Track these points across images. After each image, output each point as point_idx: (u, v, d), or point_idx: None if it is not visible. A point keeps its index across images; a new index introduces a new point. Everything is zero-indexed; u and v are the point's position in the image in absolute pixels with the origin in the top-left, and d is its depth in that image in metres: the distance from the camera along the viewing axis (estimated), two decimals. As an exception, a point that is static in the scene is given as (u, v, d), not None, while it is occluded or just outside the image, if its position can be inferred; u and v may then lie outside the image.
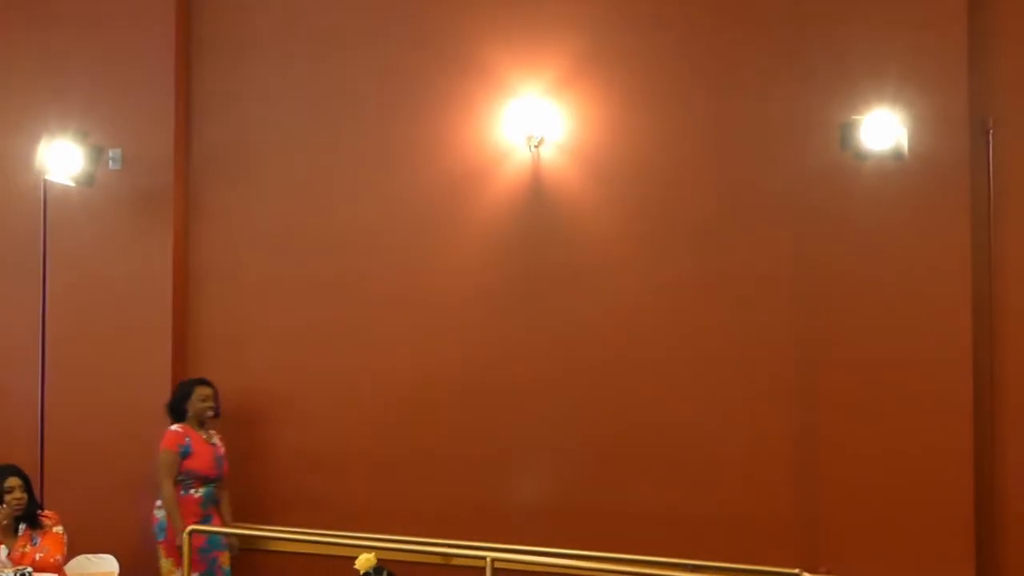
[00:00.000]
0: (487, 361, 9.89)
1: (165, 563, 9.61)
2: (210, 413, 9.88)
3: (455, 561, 9.51)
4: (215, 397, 9.92)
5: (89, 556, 10.03)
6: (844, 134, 8.72)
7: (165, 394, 10.31)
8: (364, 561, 7.71)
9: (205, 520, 9.61)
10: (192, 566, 9.30)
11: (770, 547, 9.06)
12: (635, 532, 9.31)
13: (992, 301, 8.80)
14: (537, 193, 9.75)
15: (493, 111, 9.85)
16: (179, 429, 9.74)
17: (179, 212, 10.73)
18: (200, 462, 9.68)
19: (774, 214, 9.19)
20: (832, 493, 8.95)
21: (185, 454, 9.63)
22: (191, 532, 9.22)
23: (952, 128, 8.82)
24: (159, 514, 9.65)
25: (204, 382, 9.94)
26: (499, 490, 9.71)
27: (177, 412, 9.88)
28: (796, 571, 8.83)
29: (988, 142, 8.91)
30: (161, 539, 9.63)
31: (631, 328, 9.53)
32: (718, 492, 9.22)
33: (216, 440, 9.89)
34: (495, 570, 8.99)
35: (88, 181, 10.34)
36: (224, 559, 9.73)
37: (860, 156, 8.72)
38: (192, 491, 9.64)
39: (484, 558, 9.04)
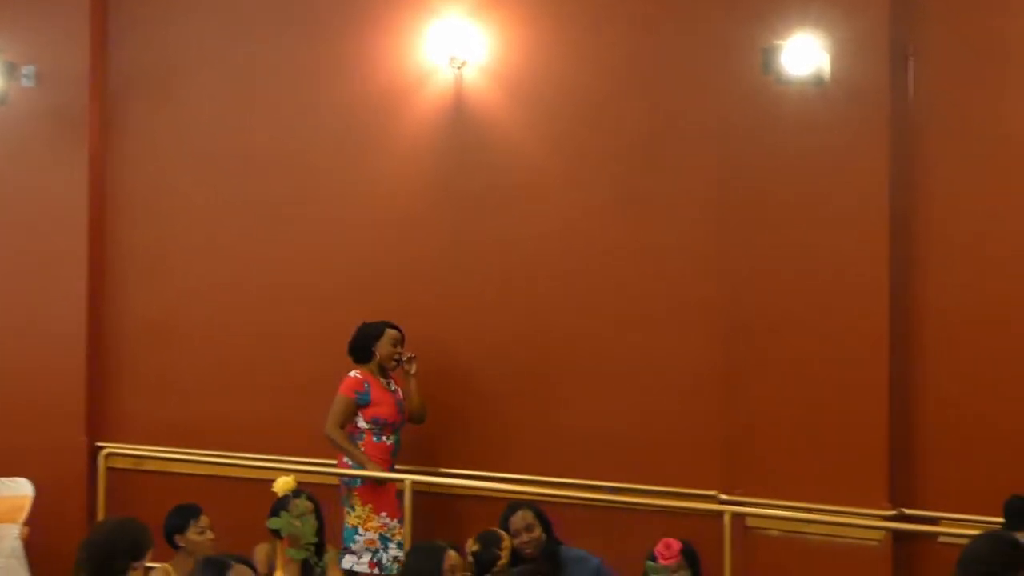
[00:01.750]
0: (409, 284, 9.86)
1: (363, 510, 9.03)
2: (397, 359, 9.31)
3: (375, 484, 9.50)
4: (403, 342, 9.36)
5: (2, 480, 9.97)
6: (766, 58, 8.71)
7: (80, 319, 10.21)
8: (282, 484, 7.65)
9: (393, 469, 9.17)
10: (392, 511, 9.01)
11: (690, 469, 9.12)
12: (556, 454, 9.35)
13: (910, 226, 8.87)
14: (460, 115, 9.70)
15: (416, 32, 9.76)
16: (359, 375, 9.19)
17: (95, 132, 10.58)
18: (385, 409, 9.17)
19: (697, 137, 9.21)
20: (752, 417, 9.00)
21: (362, 402, 9.14)
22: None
23: (873, 54, 8.83)
24: (349, 461, 9.15)
25: (393, 325, 9.33)
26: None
27: (362, 353, 9.30)
28: (714, 493, 8.94)
29: (908, 68, 8.95)
30: (356, 486, 9.07)
31: (556, 251, 9.53)
32: (641, 414, 9.26)
33: (394, 386, 9.33)
34: (415, 493, 9.03)
35: (1, 99, 10.16)
36: None
37: (782, 81, 8.72)
38: (384, 438, 9.15)
39: (403, 481, 9.07)
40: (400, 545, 8.86)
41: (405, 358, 9.27)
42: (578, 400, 9.38)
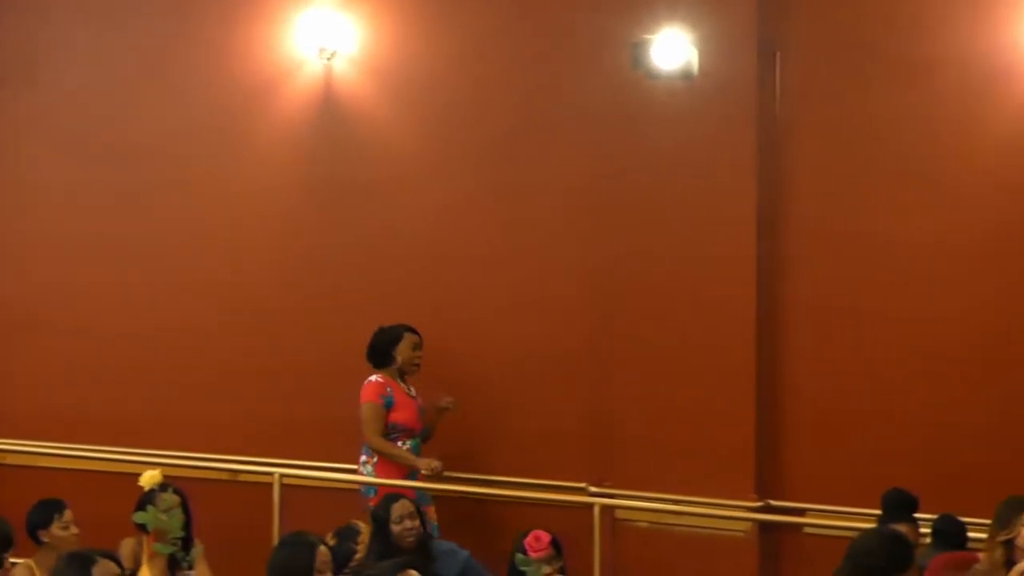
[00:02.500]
0: (275, 276, 9.78)
1: None
2: (416, 366, 9.05)
3: (243, 478, 9.41)
4: (422, 346, 9.06)
5: None
6: (635, 53, 8.75)
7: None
8: (149, 478, 7.54)
9: (411, 476, 8.85)
10: None
11: (559, 462, 9.15)
12: (427, 446, 9.29)
13: (777, 219, 8.97)
14: (329, 107, 9.62)
15: (285, 22, 9.67)
16: (379, 379, 8.90)
17: (-49, 117, 10.37)
18: (406, 414, 8.92)
19: (567, 130, 9.23)
20: (620, 409, 9.05)
21: (389, 405, 8.87)
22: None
23: (740, 49, 8.93)
24: (364, 470, 8.90)
25: (412, 329, 9.04)
26: (289, 406, 9.61)
27: (381, 357, 9.00)
28: (583, 485, 8.98)
29: (775, 64, 9.05)
30: (371, 496, 8.74)
31: (426, 243, 9.50)
32: (509, 406, 9.27)
33: (414, 392, 9.07)
34: (283, 486, 8.96)
35: None
36: (432, 513, 8.90)
37: (651, 75, 8.77)
38: (401, 444, 8.87)
39: (272, 474, 9.00)
40: None
41: (445, 403, 9.07)
42: (447, 390, 9.35)
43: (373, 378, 8.90)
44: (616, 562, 8.79)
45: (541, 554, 6.61)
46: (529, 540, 6.57)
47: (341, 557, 6.99)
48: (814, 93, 9.01)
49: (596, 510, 8.67)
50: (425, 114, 9.55)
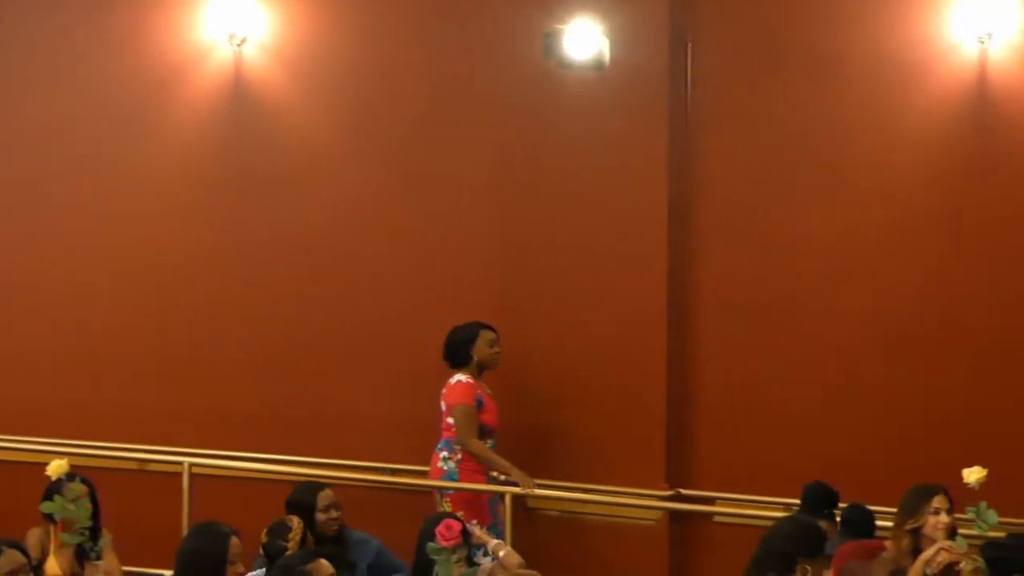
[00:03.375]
0: (185, 266, 9.69)
1: None
2: (496, 361, 8.80)
3: (151, 467, 9.33)
4: (499, 342, 8.81)
5: None
6: (547, 43, 8.75)
7: None
8: (56, 467, 7.42)
9: (491, 476, 8.78)
10: (481, 517, 8.50)
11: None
12: (335, 436, 9.29)
13: (688, 209, 9.03)
14: (239, 95, 9.55)
15: (193, 7, 9.58)
16: (468, 380, 8.67)
17: None
18: (491, 415, 8.74)
19: (480, 119, 9.23)
20: (531, 398, 9.08)
21: (480, 406, 8.69)
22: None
23: (652, 40, 8.98)
24: (446, 466, 8.70)
25: (487, 325, 8.80)
26: (198, 396, 9.54)
27: (459, 357, 8.78)
28: (494, 474, 8.97)
29: (686, 54, 9.09)
30: (448, 493, 8.64)
31: (337, 233, 9.46)
32: (419, 396, 9.22)
33: (490, 390, 8.85)
34: (192, 475, 8.90)
35: None
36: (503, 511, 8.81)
37: (563, 65, 8.78)
38: (485, 443, 8.70)
39: (182, 463, 8.94)
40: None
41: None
42: (357, 382, 9.33)
43: (462, 379, 8.71)
44: (528, 551, 8.76)
45: (452, 542, 6.59)
46: (440, 529, 6.53)
47: (273, 554, 6.95)
48: (726, 84, 9.08)
49: (507, 499, 8.69)
50: (337, 103, 9.50)
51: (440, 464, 8.71)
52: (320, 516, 7.42)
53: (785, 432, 8.89)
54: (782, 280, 8.94)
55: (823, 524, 7.31)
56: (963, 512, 6.72)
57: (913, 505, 6.94)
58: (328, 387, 9.41)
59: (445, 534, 6.45)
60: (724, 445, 8.96)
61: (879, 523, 7.73)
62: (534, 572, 5.84)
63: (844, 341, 8.90)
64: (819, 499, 7.75)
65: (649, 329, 8.93)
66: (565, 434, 8.97)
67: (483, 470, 8.72)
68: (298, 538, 7.05)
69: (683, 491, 8.98)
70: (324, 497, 7.49)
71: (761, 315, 8.98)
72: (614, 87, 8.95)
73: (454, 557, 6.41)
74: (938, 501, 6.88)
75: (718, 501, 8.91)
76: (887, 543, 6.72)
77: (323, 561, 6.00)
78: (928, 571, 6.73)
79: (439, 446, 8.70)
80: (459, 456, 8.68)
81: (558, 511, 8.96)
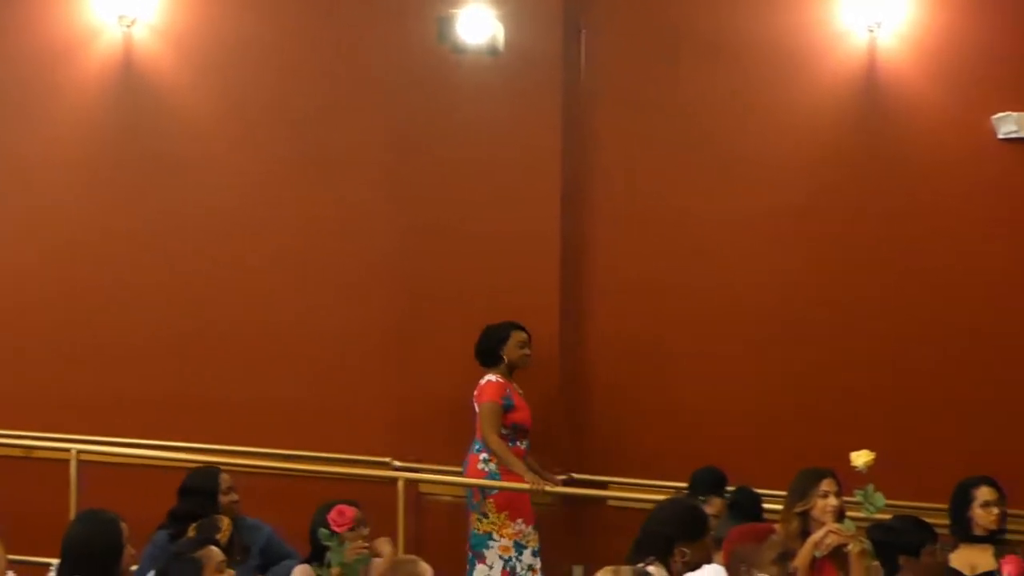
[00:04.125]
0: (74, 251, 9.53)
1: (497, 517, 8.51)
2: (527, 361, 8.75)
3: (37, 454, 9.19)
4: (530, 343, 8.76)
5: None
6: (441, 27, 8.73)
7: None
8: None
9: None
10: (528, 518, 8.49)
11: (363, 436, 9.12)
12: (228, 423, 9.20)
13: (581, 195, 9.07)
14: (129, 78, 9.40)
15: (81, -13, 9.46)
16: (499, 379, 8.62)
17: None
18: (523, 414, 8.65)
19: (375, 104, 9.19)
20: (424, 384, 9.07)
21: (508, 407, 8.59)
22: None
23: (546, 25, 9.02)
24: (487, 468, 8.56)
25: (518, 325, 8.75)
26: (87, 382, 9.40)
27: (490, 357, 8.73)
28: (387, 459, 8.97)
29: (580, 41, 9.12)
30: (492, 493, 8.54)
31: (231, 219, 9.35)
32: (313, 381, 9.20)
33: (520, 390, 8.76)
34: (80, 463, 8.79)
35: None
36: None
37: (457, 50, 8.76)
38: (519, 443, 8.60)
39: (69, 450, 8.83)
40: (535, 552, 8.58)
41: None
42: (250, 367, 9.26)
43: (492, 378, 8.67)
44: (420, 536, 8.80)
45: (345, 528, 6.58)
46: (332, 515, 6.51)
47: None
48: (619, 70, 9.13)
49: (400, 484, 8.68)
50: (230, 86, 9.40)
51: (480, 466, 8.63)
52: (223, 499, 7.37)
53: (677, 416, 8.98)
54: (675, 265, 9.03)
55: (716, 502, 7.41)
56: (851, 495, 6.82)
57: (802, 488, 7.01)
58: (221, 373, 9.32)
59: (337, 520, 6.44)
60: (617, 430, 9.01)
61: (768, 506, 7.81)
62: (412, 556, 5.84)
63: (736, 326, 8.99)
64: (708, 483, 7.82)
65: (542, 313, 8.95)
66: (459, 418, 8.95)
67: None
68: (228, 538, 7.00)
69: (576, 475, 9.02)
70: (224, 480, 7.46)
71: (654, 299, 9.05)
72: (508, 72, 8.95)
73: (346, 543, 6.41)
74: (826, 484, 6.95)
75: (611, 485, 8.96)
76: (776, 526, 6.78)
77: (213, 548, 5.96)
78: (816, 553, 6.81)
79: (476, 447, 8.64)
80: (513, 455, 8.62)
81: (450, 496, 8.96)
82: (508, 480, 8.54)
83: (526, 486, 8.45)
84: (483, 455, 8.61)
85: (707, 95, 9.07)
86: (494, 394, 8.61)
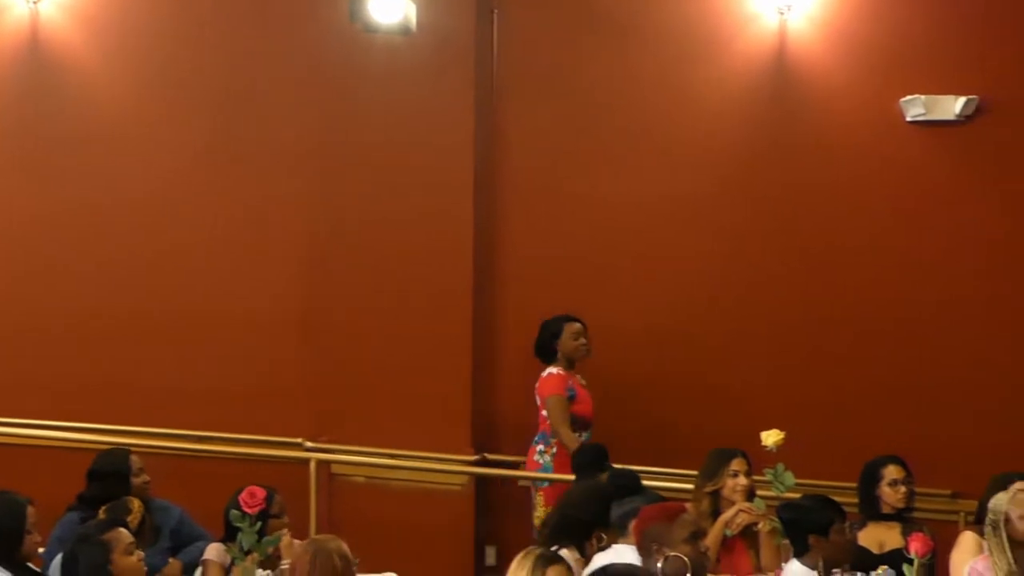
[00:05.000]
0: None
1: (544, 511, 8.29)
2: (584, 352, 8.69)
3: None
4: (586, 333, 8.70)
5: None
6: (353, 6, 8.68)
7: None
8: None
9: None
10: None
11: (276, 417, 9.08)
12: (139, 404, 9.12)
13: (494, 174, 9.09)
14: (35, 57, 9.26)
15: (-16, -38, 9.31)
16: (560, 372, 8.56)
17: None
18: (585, 406, 8.57)
19: (288, 85, 9.15)
20: (336, 365, 9.05)
21: (572, 397, 8.49)
22: None
23: (458, 6, 9.02)
24: (541, 460, 8.46)
25: (572, 318, 8.69)
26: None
27: (547, 352, 8.67)
28: (300, 440, 8.94)
29: (493, 22, 9.12)
30: (544, 486, 8.44)
31: (141, 202, 9.24)
32: (223, 364, 9.15)
33: (583, 381, 8.69)
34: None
35: None
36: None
37: (369, 29, 8.72)
38: (579, 435, 8.48)
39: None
40: None
41: None
42: (162, 349, 9.18)
43: (553, 371, 8.61)
44: (333, 517, 8.78)
45: (256, 510, 6.55)
46: (244, 496, 6.48)
47: None
48: (531, 52, 9.15)
49: (312, 465, 8.68)
50: (142, 66, 9.28)
51: (536, 457, 8.59)
52: (134, 481, 7.31)
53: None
54: (587, 245, 9.09)
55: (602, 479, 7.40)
56: (761, 474, 6.90)
57: (712, 468, 7.09)
58: (132, 355, 9.23)
59: (248, 501, 6.40)
60: (529, 410, 9.01)
61: (681, 486, 7.87)
62: (330, 535, 5.82)
63: (643, 307, 9.05)
64: (592, 460, 7.73)
65: (455, 295, 8.97)
66: (372, 400, 8.96)
67: None
68: (138, 520, 6.94)
69: (489, 456, 9.04)
70: (134, 462, 7.39)
71: (565, 279, 9.08)
72: (421, 52, 8.94)
73: (257, 524, 6.38)
74: (737, 464, 7.04)
75: (523, 465, 8.97)
76: (687, 505, 6.84)
77: (122, 529, 5.93)
78: (727, 532, 6.90)
79: (536, 439, 8.57)
80: (555, 450, 8.55)
81: (363, 477, 8.95)
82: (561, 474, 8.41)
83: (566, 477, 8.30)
84: (539, 447, 8.57)
85: (619, 77, 9.11)
86: (558, 387, 8.56)
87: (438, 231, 9.00)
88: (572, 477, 7.89)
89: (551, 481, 8.45)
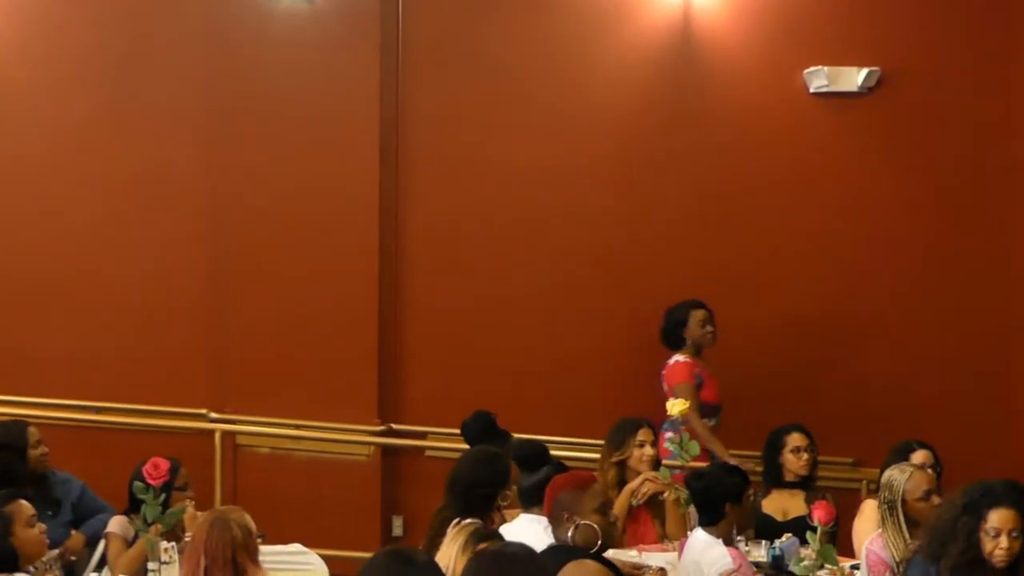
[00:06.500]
0: None
1: None
2: (711, 339, 8.59)
3: None
4: (712, 319, 8.61)
5: None
6: (256, -28, 8.65)
7: None
8: None
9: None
10: None
11: (179, 388, 9.00)
12: (37, 374, 9.00)
13: (399, 147, 9.05)
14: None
15: None
16: (688, 359, 8.48)
17: None
18: (712, 393, 8.47)
19: (185, 53, 9.01)
20: (240, 335, 8.99)
21: (700, 385, 8.39)
22: None
23: (364, -27, 8.95)
24: (670, 447, 7.97)
25: (699, 304, 8.61)
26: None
27: (674, 340, 8.59)
28: (204, 411, 8.88)
29: (398, -7, 9.10)
30: (674, 473, 8.01)
31: (39, 167, 9.08)
32: (126, 333, 9.04)
33: (709, 368, 8.56)
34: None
35: None
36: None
37: (273, -4, 8.68)
38: (707, 420, 8.39)
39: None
40: None
41: None
42: (61, 318, 9.06)
43: (680, 359, 8.54)
44: (238, 488, 8.74)
45: (159, 481, 6.50)
46: (147, 468, 6.43)
47: None
48: (437, 20, 9.10)
49: (217, 436, 8.64)
50: (35, 31, 9.10)
51: (667, 445, 8.24)
52: (33, 453, 7.20)
53: (492, 365, 9.01)
54: (491, 214, 9.07)
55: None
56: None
57: (619, 438, 7.13)
58: (29, 324, 9.09)
59: (152, 473, 6.35)
60: (435, 380, 9.03)
61: (584, 455, 7.90)
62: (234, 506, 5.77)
63: (550, 275, 9.07)
64: (483, 430, 7.67)
65: (360, 266, 8.94)
66: (277, 370, 8.91)
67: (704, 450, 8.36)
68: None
69: (395, 426, 9.03)
70: (32, 434, 7.29)
71: (471, 250, 9.08)
72: (326, 20, 8.90)
73: (161, 496, 6.33)
74: (643, 434, 7.09)
75: (430, 436, 8.98)
76: (594, 475, 6.87)
77: (23, 502, 5.86)
78: (633, 501, 6.95)
79: (664, 426, 8.39)
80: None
81: (268, 448, 8.91)
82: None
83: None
84: (668, 434, 8.37)
85: (524, 48, 9.10)
86: (686, 375, 8.50)
87: (343, 200, 8.95)
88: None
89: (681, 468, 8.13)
